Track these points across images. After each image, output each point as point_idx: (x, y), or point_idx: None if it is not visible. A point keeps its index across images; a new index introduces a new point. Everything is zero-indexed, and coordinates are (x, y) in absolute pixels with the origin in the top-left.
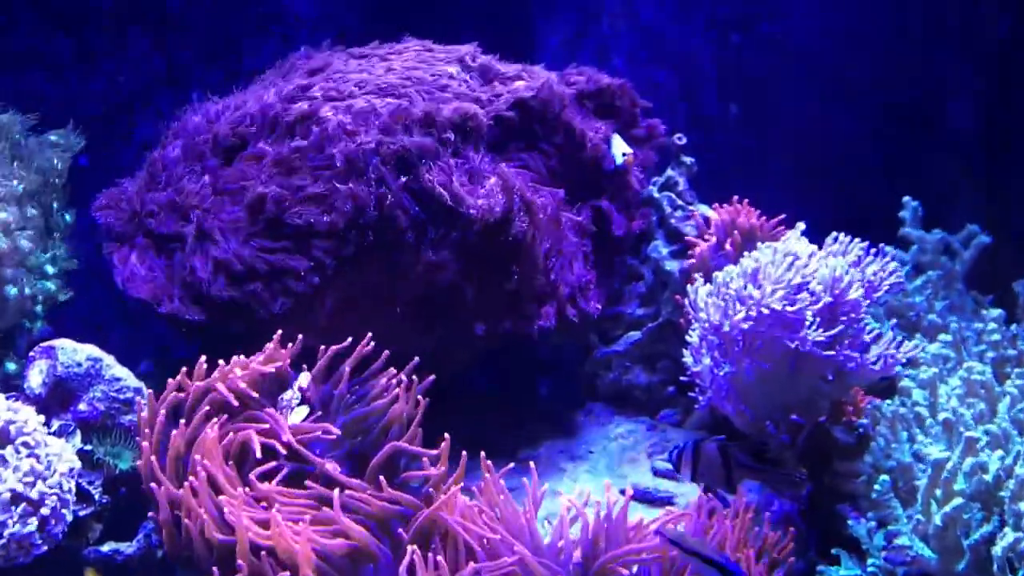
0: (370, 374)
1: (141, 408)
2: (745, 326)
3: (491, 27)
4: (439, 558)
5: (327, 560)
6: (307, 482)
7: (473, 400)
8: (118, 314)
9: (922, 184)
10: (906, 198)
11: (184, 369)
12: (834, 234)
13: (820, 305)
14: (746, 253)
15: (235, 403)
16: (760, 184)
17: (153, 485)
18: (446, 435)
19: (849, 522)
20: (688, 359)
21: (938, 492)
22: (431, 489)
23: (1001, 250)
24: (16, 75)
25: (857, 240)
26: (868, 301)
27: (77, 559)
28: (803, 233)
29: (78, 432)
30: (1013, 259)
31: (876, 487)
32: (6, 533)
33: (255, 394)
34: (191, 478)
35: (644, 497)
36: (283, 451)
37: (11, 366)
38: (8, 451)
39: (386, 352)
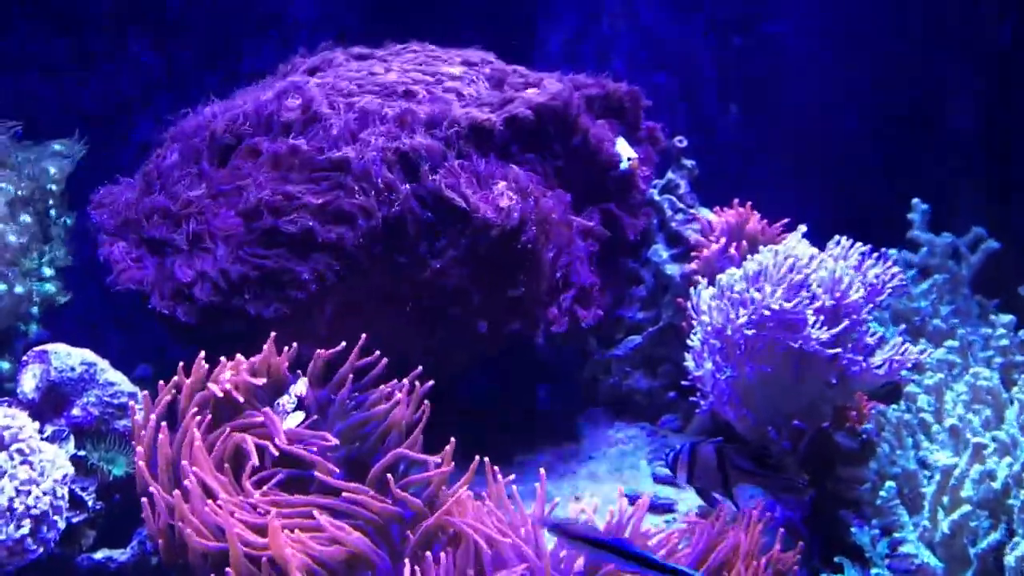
0: (370, 380)
1: (135, 412)
2: (749, 331)
3: (491, 28)
4: (446, 558)
5: (324, 566)
6: (311, 490)
7: (472, 404)
8: (115, 317)
9: (923, 186)
10: (915, 200)
11: (181, 365)
12: (836, 237)
13: (819, 304)
14: (749, 256)
15: (228, 405)
16: (761, 185)
17: (152, 490)
18: (452, 439)
19: (852, 530)
20: (689, 363)
21: (945, 499)
22: (433, 491)
23: (1003, 253)
24: (14, 76)
25: (858, 244)
26: (870, 305)
27: (70, 566)
28: (804, 235)
29: (72, 438)
30: (1015, 262)
31: (882, 493)
32: None
33: (242, 398)
34: (186, 483)
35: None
36: (275, 453)
37: (5, 365)
38: (2, 457)
39: (385, 360)
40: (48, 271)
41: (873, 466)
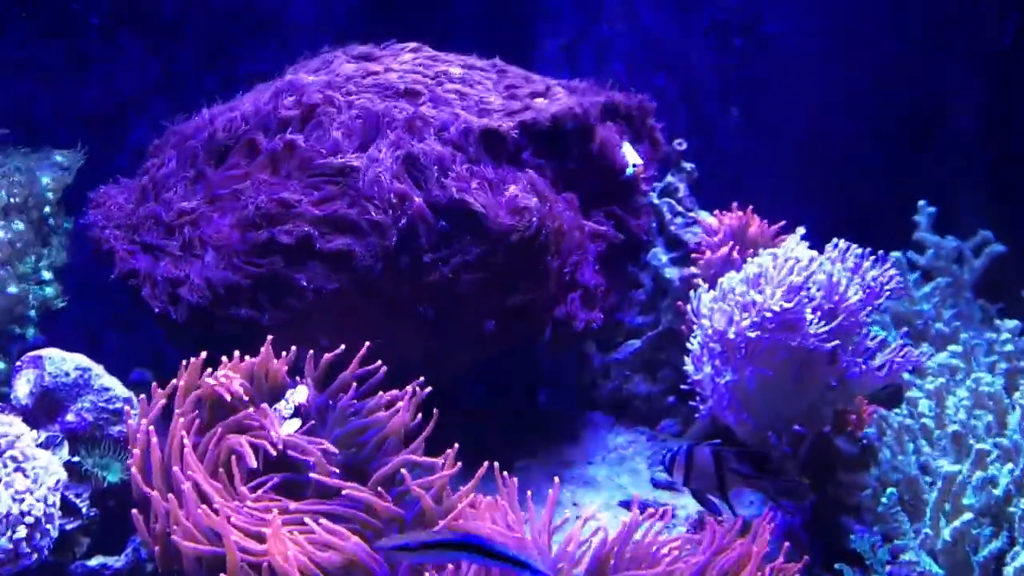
0: (369, 388)
1: (130, 416)
2: (752, 333)
3: (490, 30)
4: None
5: (323, 572)
6: (307, 495)
7: (472, 408)
8: (113, 322)
9: (923, 187)
10: (922, 202)
11: (184, 363)
12: (834, 240)
13: (817, 302)
14: (748, 259)
15: (224, 408)
16: (761, 188)
17: (147, 493)
18: (455, 444)
19: (852, 537)
20: (689, 367)
21: (947, 506)
22: (436, 494)
23: (1005, 256)
24: (11, 79)
25: (854, 246)
26: (869, 307)
27: (64, 574)
28: (804, 237)
29: (66, 443)
30: (1017, 265)
31: (883, 500)
32: None
33: (238, 400)
34: (184, 487)
35: (643, 509)
36: (273, 453)
37: (1, 364)
38: None
39: (384, 369)
40: (47, 275)
41: (874, 472)
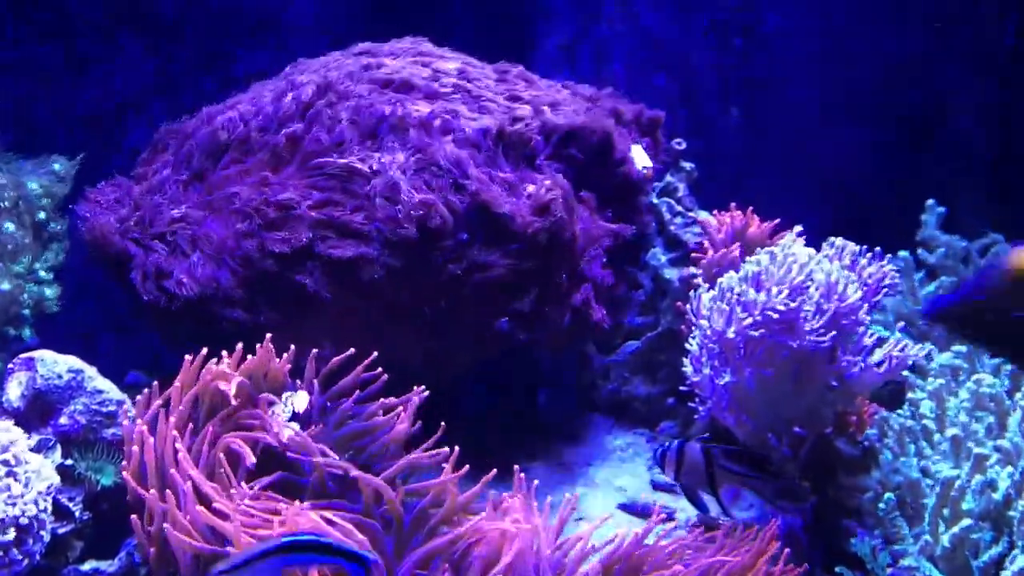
0: (369, 394)
1: (125, 416)
2: (755, 333)
3: (489, 31)
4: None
5: None
6: (303, 498)
7: (472, 409)
8: (108, 323)
9: (924, 188)
10: (930, 201)
11: (188, 359)
12: (830, 239)
13: (816, 300)
14: (747, 258)
15: (222, 407)
16: (760, 188)
17: (143, 494)
18: (456, 448)
19: (853, 540)
20: (688, 368)
21: (946, 511)
22: (433, 498)
23: None
24: (7, 80)
25: (851, 244)
26: (866, 305)
27: None
28: (805, 237)
29: (58, 447)
30: None
31: (881, 505)
32: None
33: (236, 400)
34: (185, 487)
35: (643, 512)
36: (276, 443)
37: None
38: None
39: (385, 376)
40: (44, 275)
41: (875, 475)
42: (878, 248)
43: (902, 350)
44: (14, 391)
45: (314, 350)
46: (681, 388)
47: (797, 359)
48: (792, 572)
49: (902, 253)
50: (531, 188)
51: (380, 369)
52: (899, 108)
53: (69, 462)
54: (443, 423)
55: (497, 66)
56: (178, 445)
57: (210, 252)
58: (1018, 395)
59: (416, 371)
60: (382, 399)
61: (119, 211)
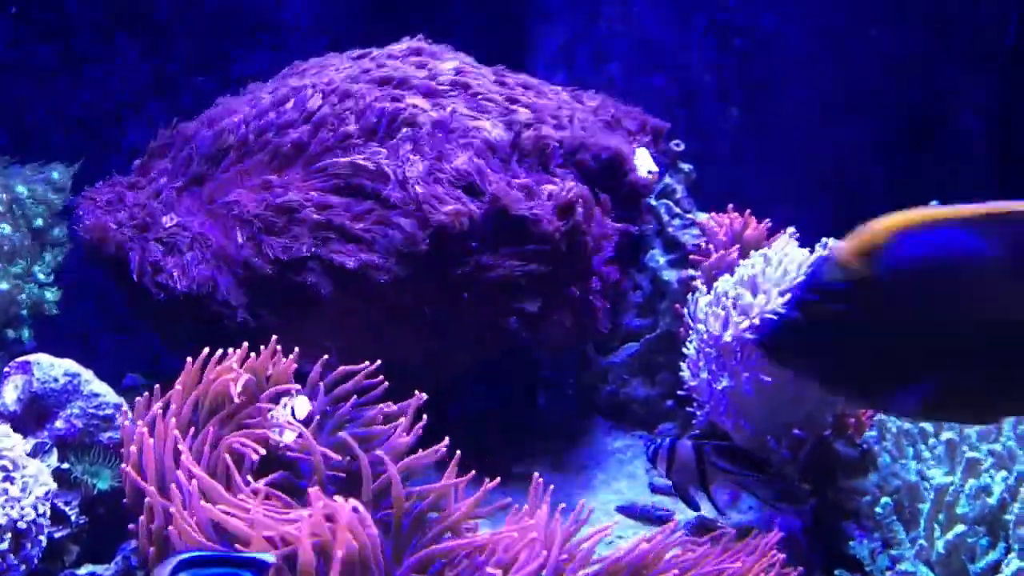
0: (368, 401)
1: (126, 417)
2: (752, 336)
3: (489, 32)
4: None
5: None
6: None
7: (470, 411)
8: (107, 325)
9: (924, 189)
10: (934, 203)
11: (190, 362)
12: (823, 240)
13: None
14: (742, 261)
15: (224, 407)
16: (760, 190)
17: (143, 487)
18: (458, 452)
19: (851, 543)
20: (685, 373)
21: (941, 516)
22: (433, 502)
23: None
24: (4, 82)
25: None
26: None
27: None
28: (804, 238)
29: (55, 450)
30: None
31: (878, 510)
32: None
33: (239, 390)
34: (191, 485)
35: (642, 515)
36: (285, 442)
37: None
38: None
39: (386, 384)
40: (42, 276)
41: (873, 478)
42: None
43: None
44: (10, 395)
45: (324, 357)
46: (679, 392)
47: None
48: (790, 574)
49: None
50: (551, 188)
51: (381, 376)
52: (899, 108)
53: (65, 466)
54: (443, 426)
55: (496, 71)
56: (181, 446)
57: (209, 254)
58: None
59: (416, 371)
60: (382, 405)
61: (118, 213)
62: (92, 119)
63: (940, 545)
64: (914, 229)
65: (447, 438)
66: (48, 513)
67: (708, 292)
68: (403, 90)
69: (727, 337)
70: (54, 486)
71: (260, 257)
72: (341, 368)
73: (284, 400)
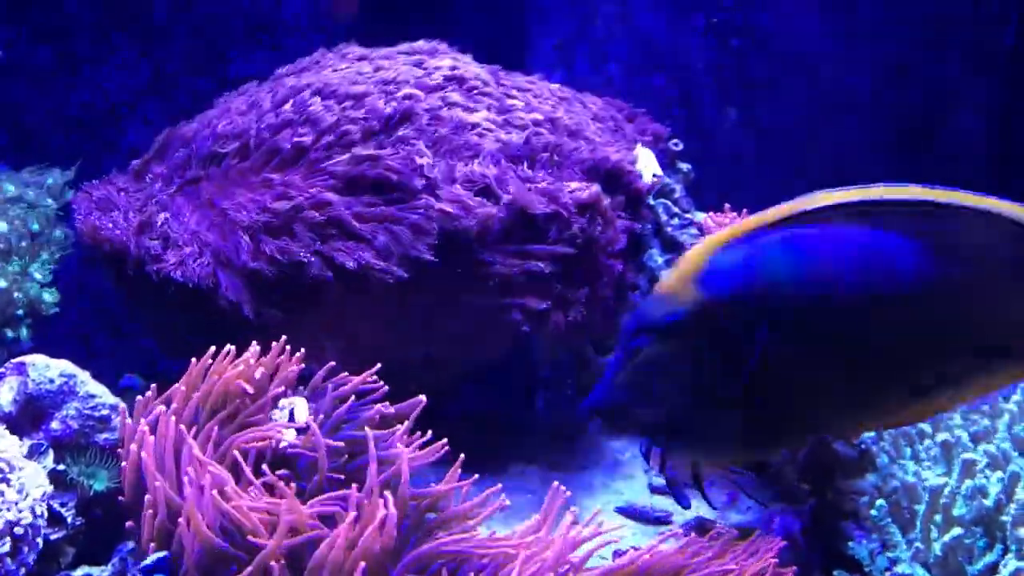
0: (364, 404)
1: (125, 415)
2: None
3: (485, 31)
4: None
5: None
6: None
7: (469, 411)
8: (104, 326)
9: None
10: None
11: (223, 352)
12: None
13: None
14: None
15: (226, 406)
16: (760, 189)
17: (157, 484)
18: (461, 455)
19: (850, 544)
20: None
21: (937, 517)
22: (431, 504)
23: None
24: (1, 84)
25: None
26: None
27: None
28: None
29: (50, 452)
30: None
31: (872, 512)
32: None
33: (252, 388)
34: (203, 479)
35: (640, 515)
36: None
37: None
38: None
39: (386, 388)
40: (39, 276)
41: (871, 478)
42: None
43: None
44: (6, 396)
45: (331, 363)
46: None
47: None
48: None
49: None
50: (574, 185)
51: (381, 382)
52: (899, 107)
53: (61, 467)
54: (442, 426)
55: (494, 71)
56: (192, 440)
57: (208, 252)
58: (1016, 397)
59: (416, 370)
60: (379, 406)
61: (116, 212)
62: (90, 120)
63: (937, 547)
64: (729, 244)
65: (445, 439)
66: (45, 515)
67: None
68: (403, 89)
69: None
70: (50, 488)
71: (260, 256)
72: (344, 376)
73: (283, 402)
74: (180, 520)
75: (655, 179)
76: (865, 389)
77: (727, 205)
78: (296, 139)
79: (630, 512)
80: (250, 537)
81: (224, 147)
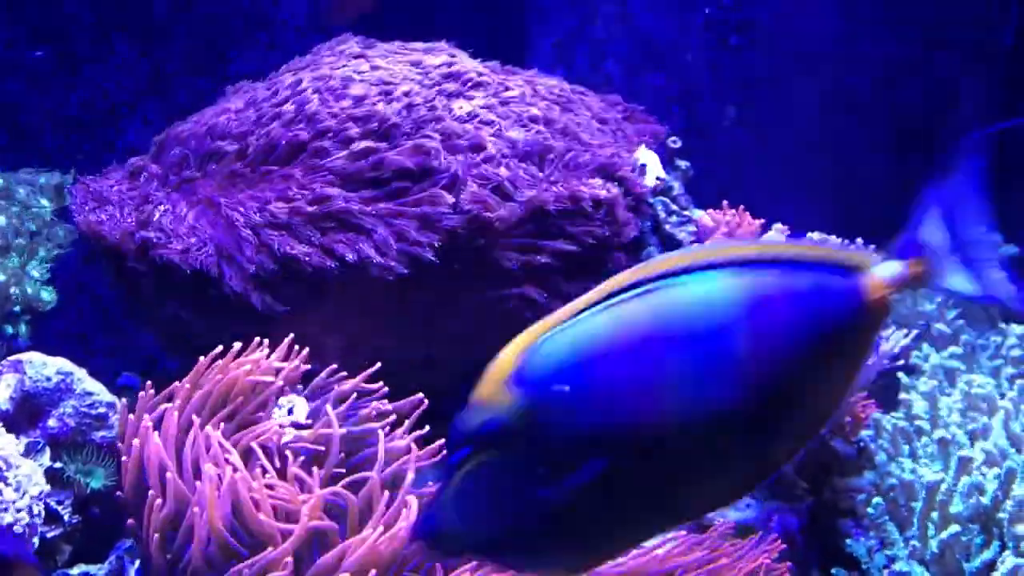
0: (363, 403)
1: (126, 412)
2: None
3: (484, 30)
4: None
5: None
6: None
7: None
8: (103, 325)
9: (924, 187)
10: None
11: (204, 359)
12: (809, 235)
13: None
14: None
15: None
16: (759, 187)
17: (169, 476)
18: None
19: (848, 541)
20: None
21: (934, 515)
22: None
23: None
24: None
25: (831, 238)
26: None
27: None
28: (802, 236)
29: (47, 449)
30: (1018, 264)
31: (869, 510)
32: None
33: (242, 396)
34: (224, 471)
35: None
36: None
37: None
38: None
39: (386, 389)
40: (36, 273)
41: (869, 476)
42: (860, 240)
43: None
44: (2, 393)
45: (333, 366)
46: None
47: None
48: (781, 568)
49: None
50: (597, 182)
51: (381, 382)
52: (899, 106)
53: (58, 465)
54: (440, 425)
55: (494, 67)
56: (209, 429)
57: (211, 246)
58: (1011, 394)
59: (416, 370)
60: (377, 403)
61: (112, 207)
62: (89, 119)
63: (934, 544)
64: (548, 335)
65: (444, 439)
66: (42, 513)
67: None
68: (402, 87)
69: None
70: (47, 486)
71: (263, 250)
72: (346, 379)
73: (282, 400)
74: (188, 512)
75: (658, 181)
76: (697, 493)
77: (725, 202)
78: (295, 137)
79: None
80: (265, 522)
81: (222, 146)
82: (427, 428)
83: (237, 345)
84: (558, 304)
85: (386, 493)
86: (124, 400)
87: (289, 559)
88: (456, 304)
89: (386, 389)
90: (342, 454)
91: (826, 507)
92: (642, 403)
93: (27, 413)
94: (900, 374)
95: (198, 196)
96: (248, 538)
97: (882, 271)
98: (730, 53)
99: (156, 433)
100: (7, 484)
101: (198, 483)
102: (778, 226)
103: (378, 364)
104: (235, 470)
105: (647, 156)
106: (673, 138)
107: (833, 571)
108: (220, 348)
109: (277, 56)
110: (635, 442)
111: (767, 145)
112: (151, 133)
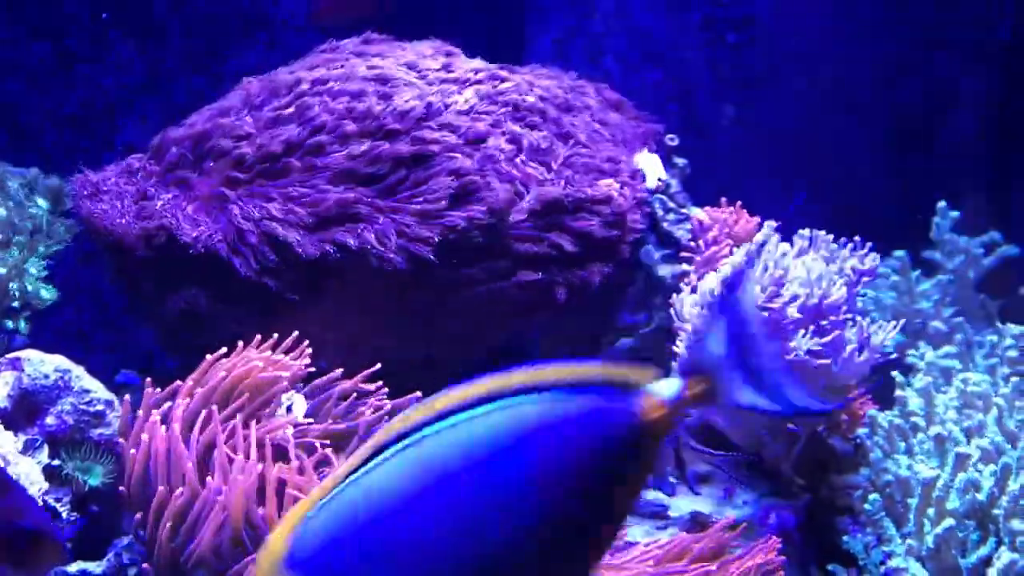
0: (362, 403)
1: (127, 408)
2: None
3: (482, 28)
4: None
5: None
6: None
7: None
8: (102, 322)
9: (922, 186)
10: (941, 204)
11: (210, 357)
12: (801, 232)
13: (801, 301)
14: (723, 260)
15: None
16: (758, 185)
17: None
18: None
19: (845, 538)
20: (675, 373)
21: (931, 511)
22: None
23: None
24: None
25: (826, 235)
26: (847, 299)
27: None
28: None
29: (45, 447)
30: (1017, 263)
31: (866, 506)
32: None
33: (247, 393)
34: (250, 463)
35: (636, 510)
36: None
37: None
38: None
39: (386, 389)
40: (35, 271)
41: (865, 472)
42: (857, 237)
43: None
44: (0, 391)
45: (337, 371)
46: None
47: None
48: (776, 561)
49: (898, 252)
50: (603, 182)
51: (381, 383)
52: (898, 105)
53: (56, 462)
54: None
55: (494, 70)
56: (232, 414)
57: (218, 233)
58: (1004, 390)
59: (416, 370)
60: (373, 400)
61: (111, 198)
62: (87, 117)
63: (930, 540)
64: (309, 516)
65: None
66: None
67: (692, 291)
68: (402, 85)
69: None
70: (45, 484)
71: (264, 241)
72: (347, 382)
73: (283, 397)
74: (197, 504)
75: (659, 183)
76: None
77: (723, 200)
78: (294, 136)
79: None
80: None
81: (220, 145)
82: None
83: (240, 344)
84: (559, 309)
85: None
86: (127, 397)
87: None
88: (456, 304)
89: (386, 389)
90: (342, 454)
91: (823, 504)
92: (422, 560)
93: (25, 411)
94: (895, 373)
95: (196, 193)
96: (250, 531)
97: (660, 390)
98: (728, 50)
99: (164, 427)
100: None
101: (209, 478)
102: (770, 223)
103: (378, 364)
104: (261, 460)
105: (649, 158)
106: (670, 136)
107: (830, 567)
108: (224, 349)
109: (277, 55)
110: None
111: (765, 143)
112: (149, 131)
